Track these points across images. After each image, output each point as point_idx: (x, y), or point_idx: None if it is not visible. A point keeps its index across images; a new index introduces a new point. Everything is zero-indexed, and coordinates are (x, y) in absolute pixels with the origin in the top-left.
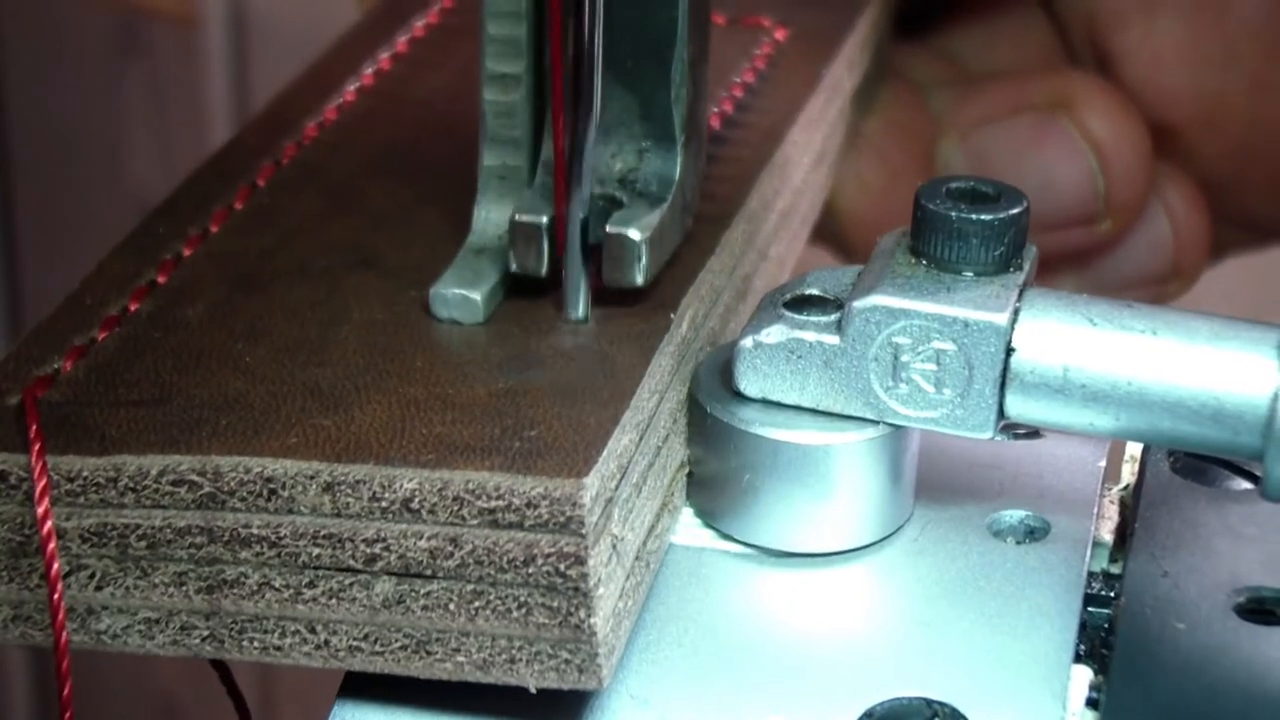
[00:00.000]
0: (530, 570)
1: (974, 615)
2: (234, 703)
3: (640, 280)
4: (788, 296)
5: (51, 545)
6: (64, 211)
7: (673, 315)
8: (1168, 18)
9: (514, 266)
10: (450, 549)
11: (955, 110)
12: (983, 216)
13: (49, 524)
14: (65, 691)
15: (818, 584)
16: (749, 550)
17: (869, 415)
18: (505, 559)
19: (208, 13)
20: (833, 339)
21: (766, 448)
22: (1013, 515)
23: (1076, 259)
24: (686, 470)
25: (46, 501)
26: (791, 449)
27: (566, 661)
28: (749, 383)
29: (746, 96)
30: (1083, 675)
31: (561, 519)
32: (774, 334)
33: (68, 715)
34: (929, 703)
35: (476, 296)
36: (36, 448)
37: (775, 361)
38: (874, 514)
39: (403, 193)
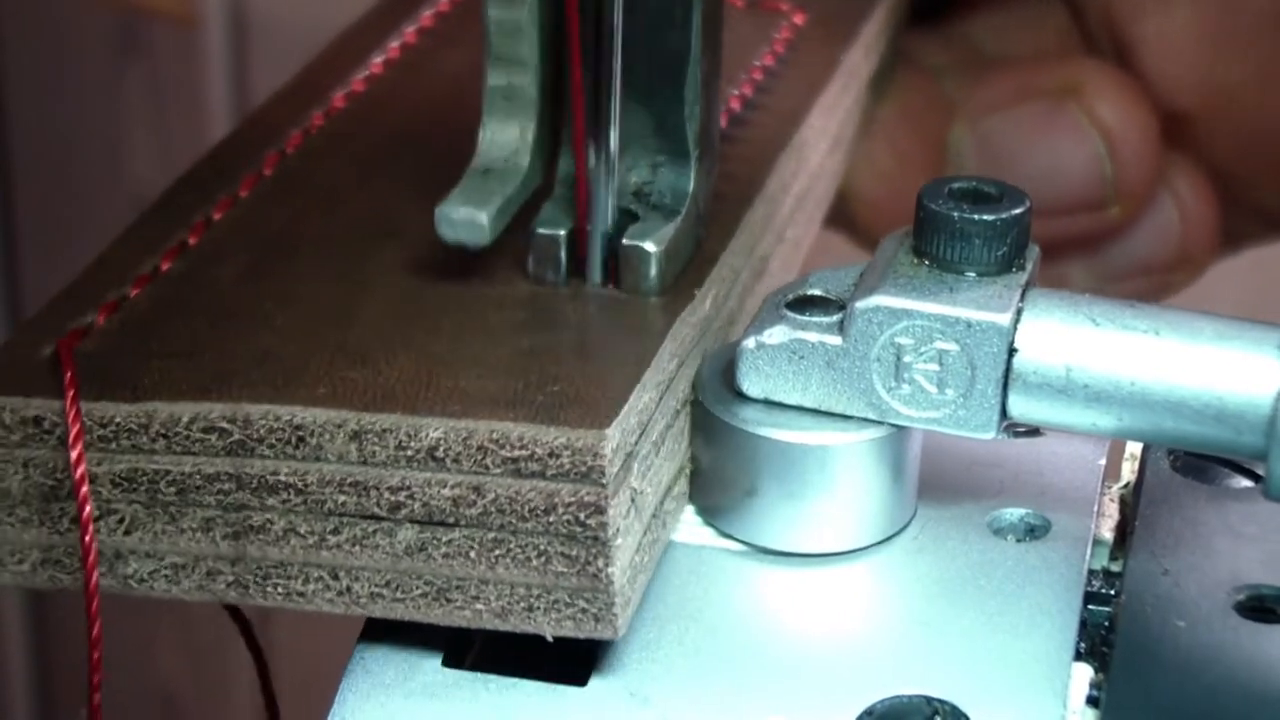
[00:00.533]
0: (551, 519)
1: (974, 613)
2: (253, 655)
3: (655, 291)
4: (790, 297)
5: (84, 489)
6: (64, 211)
7: (697, 291)
8: (1185, 6)
9: (530, 275)
10: (473, 497)
11: (966, 96)
12: (985, 217)
13: (82, 468)
14: (95, 631)
15: (818, 582)
16: (750, 549)
17: (871, 416)
18: (527, 508)
19: (208, 13)
20: (835, 339)
21: (769, 448)
22: (1013, 513)
23: (1085, 245)
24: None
25: (80, 446)
26: (794, 449)
27: (583, 610)
28: (751, 383)
29: (765, 79)
30: (1083, 673)
31: (583, 469)
32: (776, 334)
33: (96, 655)
34: (929, 701)
35: (483, 217)
36: (71, 394)
37: (777, 362)
38: (876, 515)
39: (428, 164)
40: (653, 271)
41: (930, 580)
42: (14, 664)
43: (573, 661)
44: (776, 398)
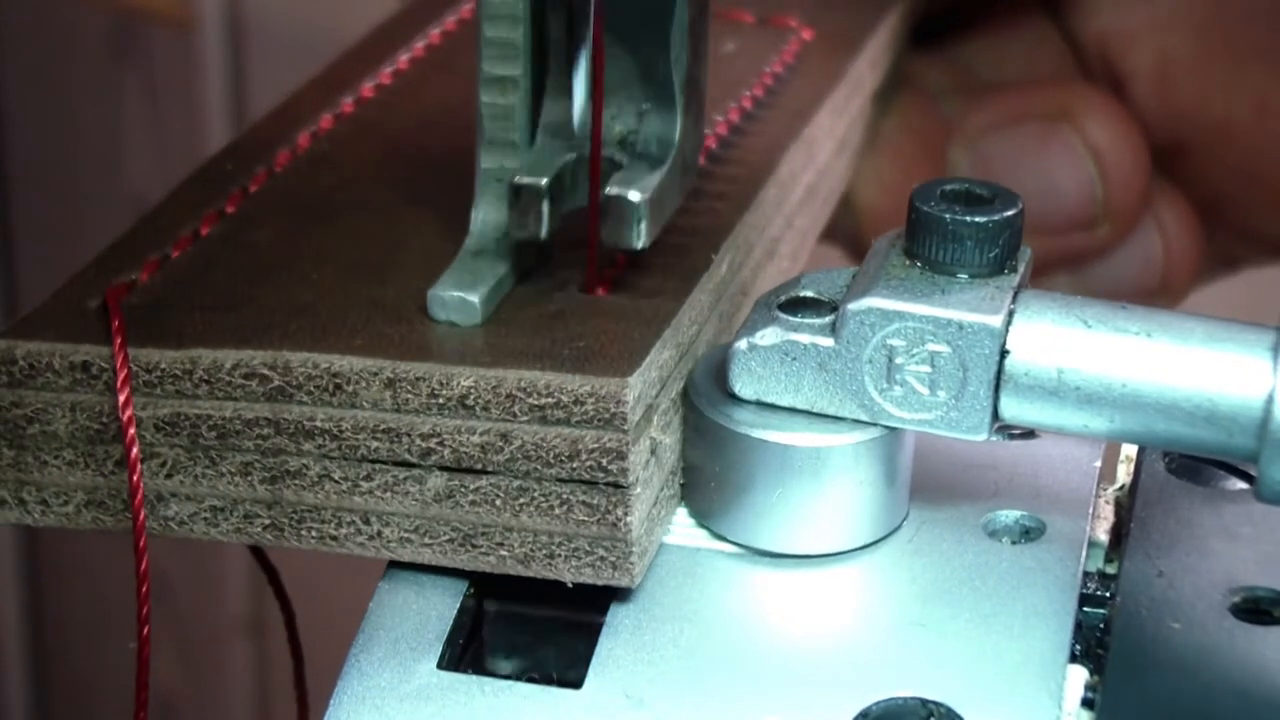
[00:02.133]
0: (574, 465)
1: (969, 615)
2: (280, 603)
3: (640, 243)
4: (782, 298)
5: (131, 430)
6: (61, 213)
7: (713, 256)
8: (1177, 39)
9: (512, 231)
10: (500, 444)
11: (964, 118)
12: (977, 219)
13: (129, 411)
14: (143, 565)
15: (813, 584)
16: (743, 551)
17: (863, 417)
18: (551, 454)
19: (204, 15)
20: (827, 341)
21: (761, 450)
22: (1008, 515)
23: (1072, 262)
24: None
25: (128, 390)
26: (786, 451)
27: (602, 559)
28: (743, 385)
29: (776, 84)
30: (1078, 675)
31: (606, 415)
32: (768, 336)
33: (145, 588)
34: (924, 703)
35: (475, 299)
36: (119, 340)
37: (770, 364)
38: (869, 516)
39: (456, 142)
40: (638, 222)
41: (925, 582)
42: (10, 663)
43: (569, 664)
44: (769, 399)
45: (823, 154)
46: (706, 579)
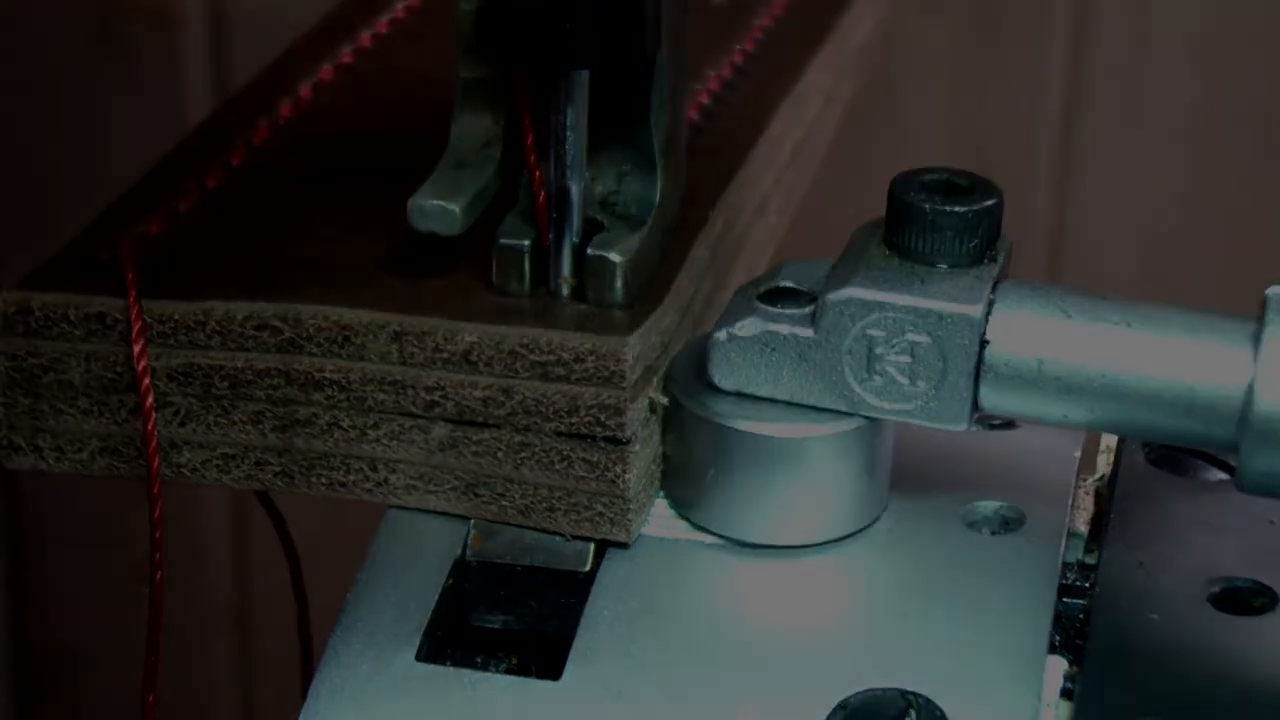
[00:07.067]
0: (573, 420)
1: (949, 606)
2: (285, 551)
3: (620, 301)
4: (762, 289)
5: (146, 380)
6: (44, 211)
7: (710, 212)
8: None
9: (495, 285)
10: (502, 399)
11: None
12: (956, 209)
13: (144, 361)
14: (157, 512)
15: (792, 575)
16: (723, 541)
17: (843, 408)
18: (551, 409)
19: (188, 9)
20: (807, 332)
21: (741, 441)
22: (987, 506)
23: None
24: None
25: (143, 340)
26: (766, 442)
27: (600, 514)
28: (723, 375)
29: (765, 38)
30: (1058, 666)
31: (606, 373)
32: (748, 327)
33: (159, 534)
34: (903, 694)
35: (455, 208)
36: (133, 293)
37: (749, 354)
38: (849, 507)
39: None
40: (618, 282)
41: (905, 573)
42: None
43: (546, 655)
44: (749, 390)
45: (811, 110)
46: (686, 570)
